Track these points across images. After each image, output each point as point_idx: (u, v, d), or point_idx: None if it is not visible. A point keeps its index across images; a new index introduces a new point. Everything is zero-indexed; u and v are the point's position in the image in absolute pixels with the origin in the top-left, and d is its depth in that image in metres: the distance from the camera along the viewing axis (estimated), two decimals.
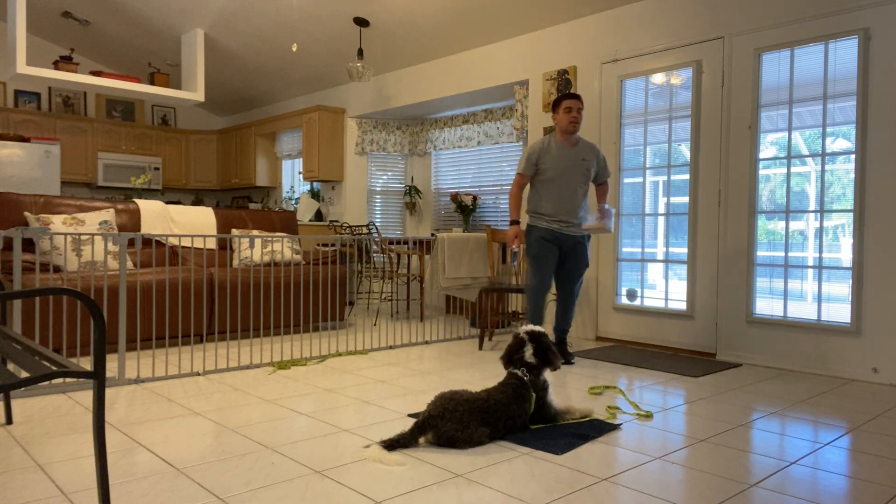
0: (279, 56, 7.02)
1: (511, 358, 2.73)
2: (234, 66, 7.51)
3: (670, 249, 4.67)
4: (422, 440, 2.45)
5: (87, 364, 3.86)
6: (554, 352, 2.74)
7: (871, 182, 3.73)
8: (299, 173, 8.42)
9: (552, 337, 4.05)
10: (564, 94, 4.08)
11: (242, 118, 9.30)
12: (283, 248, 4.81)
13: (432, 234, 6.49)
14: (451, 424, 2.41)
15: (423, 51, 6.26)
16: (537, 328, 2.78)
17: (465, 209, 6.54)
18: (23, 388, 3.07)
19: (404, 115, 7.22)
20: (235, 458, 2.29)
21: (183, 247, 4.99)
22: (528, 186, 4.18)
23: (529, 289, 4.06)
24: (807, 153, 4.04)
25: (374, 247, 6.30)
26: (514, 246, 4.12)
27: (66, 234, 3.76)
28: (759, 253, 4.21)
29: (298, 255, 5.15)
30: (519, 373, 2.67)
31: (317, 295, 5.12)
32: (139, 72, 8.23)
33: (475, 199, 6.55)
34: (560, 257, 4.11)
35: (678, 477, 2.19)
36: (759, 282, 4.21)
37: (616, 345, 4.82)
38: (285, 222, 5.64)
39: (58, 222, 4.20)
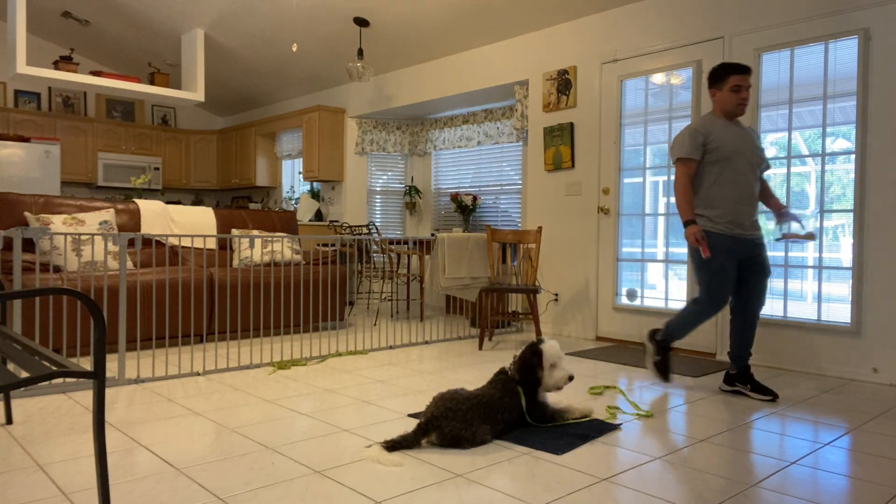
0: (279, 56, 7.02)
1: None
2: (234, 66, 7.51)
3: (670, 249, 4.67)
4: (424, 441, 2.45)
5: (87, 364, 3.86)
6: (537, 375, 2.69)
7: (871, 182, 3.73)
8: (299, 173, 8.42)
9: (731, 368, 3.39)
10: (728, 65, 3.26)
11: (242, 118, 9.30)
12: (283, 248, 4.81)
13: (432, 234, 6.49)
14: (455, 423, 2.41)
15: (423, 51, 6.26)
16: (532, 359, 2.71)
17: (465, 209, 6.54)
18: (23, 388, 3.08)
19: (404, 115, 7.22)
20: (235, 458, 2.29)
21: (183, 247, 4.99)
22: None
23: (697, 312, 3.31)
24: (807, 153, 4.04)
25: (374, 247, 6.30)
26: (705, 251, 3.18)
27: (66, 234, 3.76)
28: None
29: (298, 255, 5.15)
30: (507, 366, 2.71)
31: (317, 295, 5.12)
32: (139, 72, 8.23)
33: (475, 199, 6.55)
34: (739, 268, 3.32)
35: (678, 477, 2.19)
36: None
37: (616, 345, 4.82)
38: (285, 222, 5.64)
39: (58, 222, 4.20)
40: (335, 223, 7.39)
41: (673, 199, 4.64)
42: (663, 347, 3.48)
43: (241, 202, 9.19)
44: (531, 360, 2.69)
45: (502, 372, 2.72)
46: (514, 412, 2.62)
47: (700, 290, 3.31)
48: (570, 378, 2.71)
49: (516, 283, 4.95)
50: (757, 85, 4.19)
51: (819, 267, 3.95)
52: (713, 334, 4.38)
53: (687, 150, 3.25)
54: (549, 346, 2.71)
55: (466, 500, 1.97)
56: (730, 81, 3.25)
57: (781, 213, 3.38)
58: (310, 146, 7.39)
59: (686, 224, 3.24)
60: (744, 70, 3.23)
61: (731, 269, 3.24)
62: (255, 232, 5.30)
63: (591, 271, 5.08)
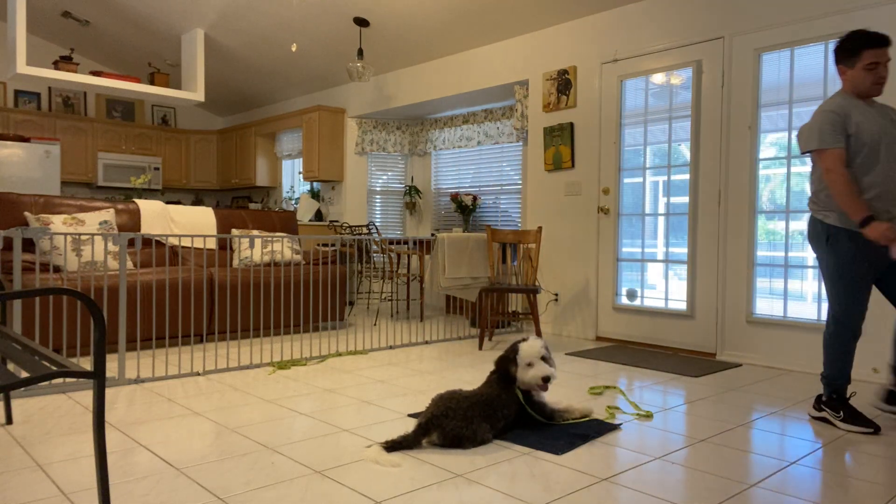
0: (279, 56, 7.02)
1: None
2: (234, 66, 7.51)
3: (670, 249, 4.67)
4: (425, 441, 2.44)
5: (87, 364, 3.86)
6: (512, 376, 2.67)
7: None
8: (299, 173, 8.42)
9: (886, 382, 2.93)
10: (860, 36, 2.70)
11: (242, 118, 9.30)
12: (283, 248, 4.81)
13: (432, 234, 6.48)
14: (455, 422, 2.41)
15: (423, 51, 6.26)
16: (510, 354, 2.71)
17: (465, 209, 6.54)
18: (23, 388, 3.08)
19: (404, 115, 7.22)
20: (235, 458, 2.29)
21: (183, 247, 4.99)
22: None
23: (837, 332, 2.77)
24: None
25: (374, 247, 6.30)
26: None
27: (66, 234, 3.76)
28: (759, 253, 4.21)
29: (298, 255, 5.15)
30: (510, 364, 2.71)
31: (317, 295, 5.12)
32: (139, 72, 8.23)
33: (475, 199, 6.55)
34: (882, 271, 2.81)
35: (678, 477, 2.19)
36: (759, 282, 4.21)
37: (616, 345, 4.82)
38: (285, 222, 5.64)
39: (58, 222, 4.20)
40: (335, 223, 7.39)
41: (674, 200, 4.65)
42: (837, 400, 2.82)
43: (241, 202, 9.19)
44: (507, 357, 2.70)
45: (496, 371, 2.73)
46: (513, 409, 2.62)
47: (835, 302, 2.78)
48: (546, 378, 2.62)
49: (516, 283, 4.95)
50: (757, 85, 4.19)
51: (819, 267, 3.95)
52: (713, 334, 4.38)
53: (829, 139, 2.69)
54: (528, 345, 2.67)
55: (466, 500, 1.97)
56: (864, 58, 2.68)
57: None
58: (310, 146, 7.39)
59: (864, 223, 2.63)
60: (881, 42, 2.66)
61: (870, 276, 2.75)
62: (255, 232, 5.30)
63: (591, 271, 5.08)
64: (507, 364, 2.69)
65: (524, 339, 2.72)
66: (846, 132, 2.70)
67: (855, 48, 2.72)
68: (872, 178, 2.70)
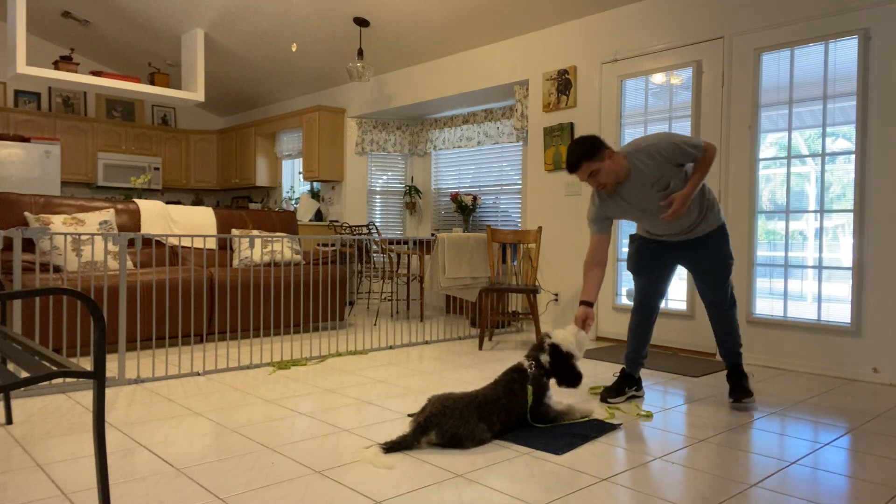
0: (279, 56, 7.02)
1: (529, 354, 2.77)
2: (234, 66, 7.51)
3: None
4: (424, 441, 2.44)
5: (87, 364, 3.86)
6: (565, 375, 2.75)
7: (871, 182, 3.73)
8: (299, 173, 8.42)
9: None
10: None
11: (242, 118, 9.30)
12: (283, 248, 4.81)
13: (432, 234, 6.49)
14: (453, 421, 2.41)
15: (423, 51, 6.26)
16: (564, 346, 2.76)
17: (465, 209, 6.55)
18: (23, 388, 3.07)
19: (404, 115, 7.22)
20: (235, 458, 2.29)
21: (183, 247, 4.99)
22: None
23: (733, 310, 3.22)
24: (807, 153, 4.04)
25: (374, 247, 6.30)
26: None
27: (66, 234, 3.76)
28: (759, 253, 4.21)
29: (298, 255, 5.15)
30: (525, 363, 2.69)
31: (317, 295, 5.12)
32: (139, 72, 8.23)
33: (475, 199, 6.55)
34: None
35: (678, 477, 2.19)
36: (759, 282, 4.21)
37: (616, 345, 4.82)
38: (285, 222, 5.64)
39: (58, 222, 4.20)
40: (335, 223, 7.39)
41: None
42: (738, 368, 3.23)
43: (241, 202, 9.19)
44: (562, 364, 2.75)
45: (516, 370, 2.69)
46: (512, 414, 2.60)
47: (728, 289, 3.16)
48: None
49: (516, 283, 4.95)
50: (757, 85, 4.19)
51: (819, 267, 3.95)
52: (713, 334, 4.38)
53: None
54: (582, 336, 2.83)
55: (466, 500, 1.97)
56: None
57: None
58: (310, 146, 7.39)
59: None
60: (569, 168, 3.01)
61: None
62: (255, 232, 5.30)
63: None
64: (568, 359, 2.75)
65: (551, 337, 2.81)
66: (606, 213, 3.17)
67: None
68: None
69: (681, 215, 3.04)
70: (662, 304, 4.68)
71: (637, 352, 3.26)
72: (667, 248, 3.20)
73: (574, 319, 2.98)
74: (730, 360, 3.20)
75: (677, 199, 2.92)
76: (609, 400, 3.16)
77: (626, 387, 3.20)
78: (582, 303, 2.99)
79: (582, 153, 2.94)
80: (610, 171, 2.96)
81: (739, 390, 3.11)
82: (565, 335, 2.79)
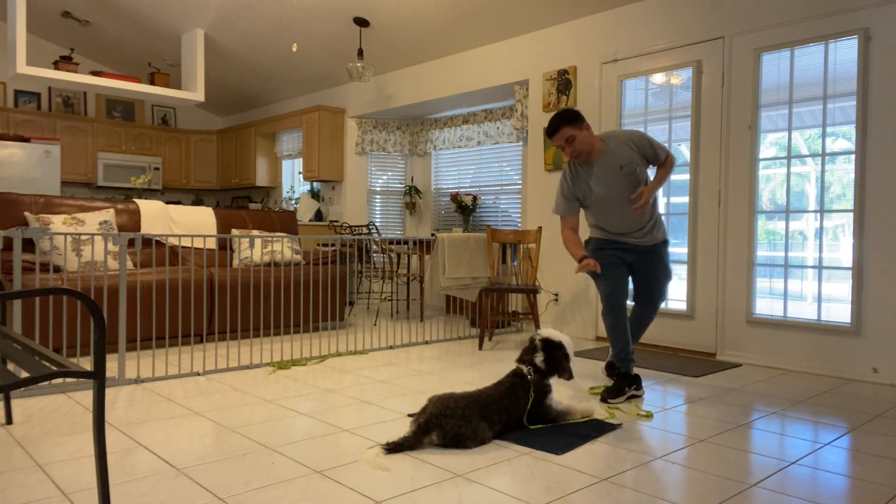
0: (279, 56, 7.02)
1: (522, 359, 2.75)
2: (234, 66, 7.51)
3: (670, 249, 4.66)
4: (425, 441, 2.44)
5: (87, 364, 3.86)
6: (564, 364, 2.77)
7: (871, 182, 3.73)
8: (299, 173, 8.42)
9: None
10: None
11: (242, 118, 9.30)
12: (283, 248, 4.81)
13: (432, 234, 6.49)
14: (454, 421, 2.41)
15: (423, 51, 6.26)
16: (554, 336, 2.78)
17: (465, 209, 6.55)
18: (23, 388, 3.07)
19: (404, 115, 7.22)
20: (235, 458, 2.29)
21: (183, 247, 4.99)
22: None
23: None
24: (807, 153, 4.04)
25: (374, 247, 6.30)
26: None
27: (66, 234, 3.76)
28: (759, 253, 4.21)
29: (298, 255, 5.15)
30: (524, 369, 2.68)
31: (317, 295, 5.12)
32: (139, 72, 8.23)
33: (475, 199, 6.55)
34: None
35: (678, 477, 2.19)
36: (759, 282, 4.21)
37: None
38: (285, 222, 5.64)
39: (58, 222, 4.20)
40: (335, 223, 7.39)
41: (674, 200, 4.65)
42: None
43: (241, 202, 9.19)
44: (557, 354, 2.74)
45: (517, 374, 2.69)
46: (513, 415, 2.60)
47: (664, 295, 3.48)
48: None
49: (516, 283, 4.95)
50: (757, 85, 4.19)
51: (819, 267, 3.95)
52: (713, 334, 4.38)
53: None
54: (566, 339, 2.82)
55: (466, 500, 1.97)
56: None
57: None
58: (310, 146, 7.39)
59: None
60: (549, 131, 3.28)
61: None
62: (255, 232, 5.30)
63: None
64: (559, 360, 2.74)
65: (546, 334, 2.79)
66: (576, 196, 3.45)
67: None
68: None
69: (645, 209, 3.29)
70: (662, 305, 4.69)
71: (624, 350, 3.30)
72: (620, 250, 3.38)
73: (582, 267, 3.17)
74: (629, 363, 3.31)
75: (645, 192, 3.18)
76: (609, 400, 3.18)
77: (625, 386, 3.22)
78: (582, 258, 3.22)
79: (562, 118, 3.23)
80: (585, 141, 3.24)
81: (621, 391, 3.24)
82: (551, 330, 2.82)
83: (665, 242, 3.46)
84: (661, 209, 4.74)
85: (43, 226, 4.14)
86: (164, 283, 4.29)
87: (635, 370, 3.48)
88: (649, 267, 3.38)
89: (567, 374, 2.76)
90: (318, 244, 5.79)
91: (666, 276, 3.44)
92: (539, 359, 2.72)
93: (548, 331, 2.81)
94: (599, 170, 3.29)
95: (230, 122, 9.59)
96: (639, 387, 3.27)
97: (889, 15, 3.66)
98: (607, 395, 3.19)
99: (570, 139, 3.23)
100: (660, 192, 3.41)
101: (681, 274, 4.60)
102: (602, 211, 3.36)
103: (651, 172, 3.48)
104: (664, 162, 3.33)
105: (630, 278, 3.46)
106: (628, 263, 3.39)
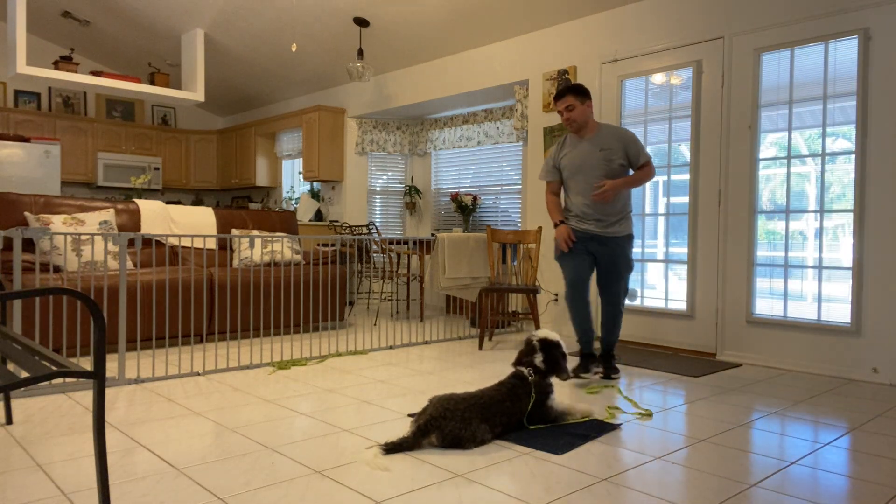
0: (279, 56, 7.02)
1: (521, 361, 2.75)
2: (234, 66, 7.51)
3: (670, 249, 4.67)
4: (424, 442, 2.44)
5: (87, 364, 3.86)
6: (562, 364, 2.80)
7: (871, 182, 3.73)
8: (299, 173, 8.42)
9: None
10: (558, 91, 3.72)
11: (242, 118, 9.30)
12: (283, 248, 4.81)
13: (432, 234, 6.48)
14: (454, 423, 2.41)
15: (423, 51, 6.26)
16: (551, 337, 2.81)
17: (465, 209, 6.55)
18: (23, 388, 3.07)
19: (404, 115, 7.22)
20: (235, 458, 2.29)
21: (183, 247, 4.99)
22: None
23: (623, 306, 3.77)
24: (807, 153, 4.04)
25: (374, 247, 6.30)
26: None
27: (66, 234, 3.76)
28: (759, 253, 4.21)
29: (298, 255, 5.15)
30: (525, 371, 2.69)
31: (317, 295, 5.12)
32: (139, 72, 8.23)
33: (475, 199, 6.55)
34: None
35: (678, 477, 2.19)
36: (759, 282, 4.21)
37: (617, 344, 4.82)
38: (285, 222, 5.64)
39: (58, 222, 4.20)
40: (335, 223, 7.39)
41: (674, 200, 4.65)
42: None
43: (241, 202, 9.19)
44: (555, 353, 2.77)
45: (518, 377, 2.69)
46: (514, 417, 2.60)
47: (626, 287, 3.71)
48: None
49: (516, 283, 4.95)
50: (757, 85, 4.19)
51: (819, 267, 3.95)
52: (713, 334, 4.39)
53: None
54: (560, 339, 2.85)
55: (466, 500, 1.97)
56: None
57: None
58: (310, 146, 7.39)
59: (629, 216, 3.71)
60: (559, 96, 3.65)
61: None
62: (255, 232, 5.30)
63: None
64: (558, 360, 2.77)
65: (543, 335, 2.81)
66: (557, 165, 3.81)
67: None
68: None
69: (607, 201, 3.57)
70: (662, 304, 4.70)
71: (586, 333, 3.67)
72: (584, 239, 3.66)
73: (558, 235, 3.63)
74: (608, 347, 3.72)
75: (608, 184, 3.50)
76: (581, 375, 3.60)
77: (590, 364, 3.65)
78: (560, 222, 3.67)
79: (571, 88, 3.63)
80: (582, 113, 3.62)
81: (612, 369, 3.67)
82: (547, 331, 2.84)
83: (629, 238, 3.68)
84: (661, 209, 4.74)
85: (43, 226, 4.14)
86: (164, 283, 4.29)
87: (617, 364, 3.80)
88: (610, 257, 3.63)
89: (565, 373, 2.77)
90: (318, 244, 5.79)
91: (626, 267, 3.66)
92: (538, 359, 2.72)
93: (544, 331, 2.83)
94: (583, 145, 3.66)
95: (230, 122, 9.59)
96: (609, 368, 3.66)
97: (889, 15, 3.66)
98: (577, 371, 3.61)
99: (570, 107, 3.61)
100: (631, 192, 3.73)
101: (681, 274, 4.60)
102: (572, 187, 3.70)
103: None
104: (642, 166, 3.61)
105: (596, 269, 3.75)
106: (591, 253, 3.66)
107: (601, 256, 3.64)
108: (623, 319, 3.77)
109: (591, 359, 3.67)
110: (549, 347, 2.77)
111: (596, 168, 3.60)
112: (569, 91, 3.61)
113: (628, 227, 3.67)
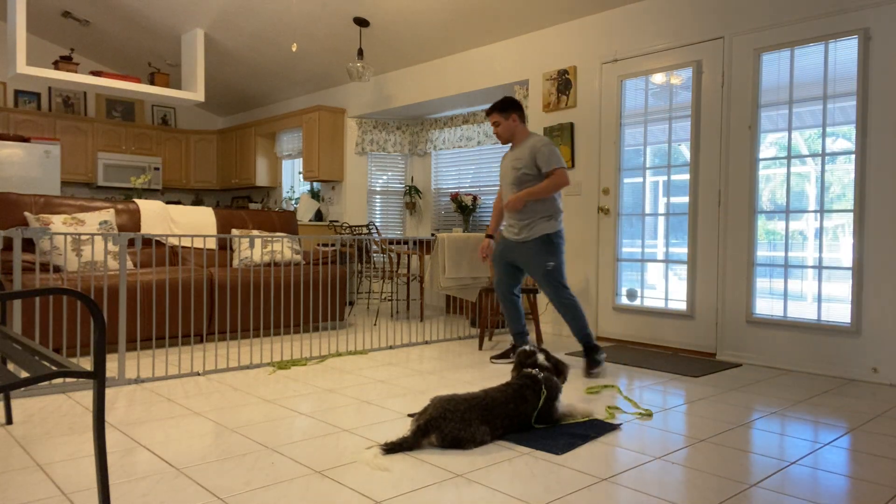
0: (279, 56, 7.02)
1: (524, 364, 2.76)
2: (234, 66, 7.51)
3: (670, 249, 4.67)
4: (424, 442, 2.44)
5: (87, 364, 3.86)
6: (561, 366, 2.86)
7: (871, 182, 3.73)
8: (299, 173, 8.42)
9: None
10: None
11: (242, 118, 9.30)
12: (283, 248, 4.81)
13: (432, 234, 6.48)
14: (453, 424, 2.41)
15: (423, 51, 6.26)
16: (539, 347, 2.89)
17: (465, 209, 6.55)
18: (23, 388, 3.08)
19: (404, 115, 7.22)
20: (235, 458, 2.29)
21: (183, 247, 4.99)
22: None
23: (568, 298, 3.82)
24: (807, 153, 4.04)
25: (374, 247, 6.30)
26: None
27: (66, 234, 3.76)
28: (759, 253, 4.21)
29: (298, 255, 5.15)
30: (533, 371, 2.69)
31: (317, 295, 5.12)
32: (139, 72, 8.23)
33: (475, 199, 6.55)
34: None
35: (678, 477, 2.19)
36: (759, 282, 4.21)
37: (616, 345, 4.82)
38: (285, 222, 5.64)
39: (58, 222, 4.20)
40: (335, 223, 7.39)
41: (674, 200, 4.65)
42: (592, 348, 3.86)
43: (241, 202, 9.19)
44: (553, 356, 2.85)
45: (528, 377, 2.69)
46: (517, 420, 2.60)
47: (560, 281, 3.80)
48: None
49: None
50: (757, 85, 4.19)
51: (819, 267, 3.95)
52: (713, 334, 4.39)
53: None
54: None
55: (466, 500, 1.97)
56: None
57: None
58: (310, 146, 7.39)
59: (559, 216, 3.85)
60: (489, 111, 3.90)
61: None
62: (255, 232, 5.30)
63: (591, 271, 5.08)
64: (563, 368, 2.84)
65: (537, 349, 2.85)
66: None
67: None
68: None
69: (513, 209, 3.78)
70: (662, 304, 4.70)
71: (515, 328, 4.01)
72: (507, 245, 3.92)
73: (482, 249, 4.04)
74: (581, 342, 3.83)
75: (511, 197, 3.75)
76: (495, 361, 4.03)
77: (511, 353, 4.03)
78: (488, 236, 4.06)
79: (496, 104, 3.86)
80: (507, 129, 3.86)
81: (589, 364, 3.75)
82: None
83: (541, 238, 3.78)
84: (661, 209, 4.74)
85: (43, 226, 4.14)
86: (164, 283, 4.29)
87: (598, 358, 3.86)
88: (523, 259, 3.84)
89: (564, 377, 2.81)
90: (318, 244, 5.79)
91: (538, 265, 3.78)
92: (542, 358, 2.75)
93: (529, 345, 2.90)
94: (508, 156, 3.92)
95: (230, 122, 9.59)
96: (588, 364, 3.80)
97: (889, 15, 3.66)
98: (495, 357, 4.07)
99: (496, 123, 3.88)
100: (553, 197, 3.82)
101: (681, 274, 4.60)
102: (502, 184, 3.95)
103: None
104: (548, 174, 3.74)
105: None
106: (509, 255, 3.93)
107: (518, 261, 3.89)
108: (580, 311, 3.80)
109: (514, 350, 4.02)
110: (546, 352, 2.83)
111: (508, 177, 3.87)
112: (493, 108, 3.85)
113: (541, 230, 3.78)
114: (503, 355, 4.08)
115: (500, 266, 3.98)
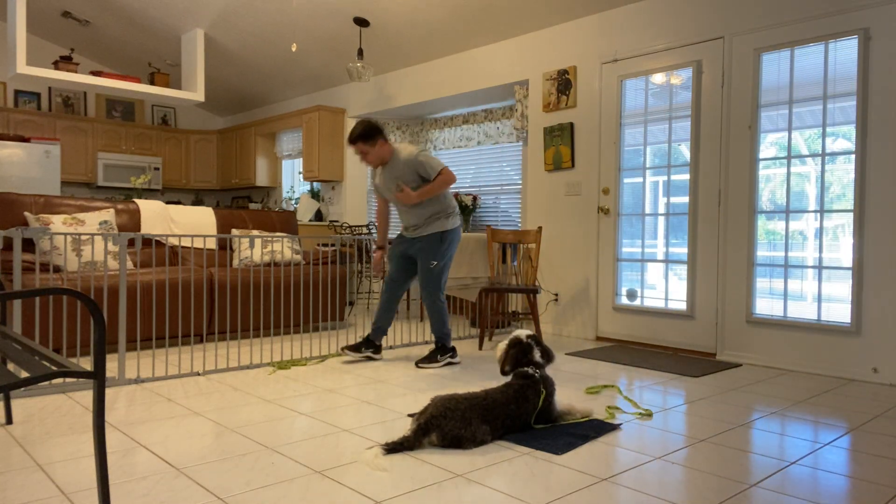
0: (279, 56, 7.02)
1: (519, 362, 2.74)
2: (234, 66, 7.51)
3: (670, 249, 4.67)
4: (424, 441, 2.44)
5: (87, 364, 3.86)
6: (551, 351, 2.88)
7: (871, 182, 3.73)
8: (299, 173, 8.42)
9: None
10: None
11: (242, 118, 9.30)
12: (283, 248, 4.81)
13: None
14: (454, 423, 2.41)
15: (423, 51, 6.26)
16: (528, 333, 2.85)
17: (465, 209, 6.54)
18: (23, 388, 3.08)
19: (404, 115, 7.22)
20: (235, 458, 2.29)
21: (183, 247, 4.99)
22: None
23: (440, 302, 4.04)
24: (807, 153, 4.04)
25: (374, 246, 6.30)
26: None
27: (66, 234, 3.76)
28: (759, 253, 4.21)
29: (298, 255, 5.15)
30: (530, 370, 2.69)
31: (317, 295, 5.12)
32: (139, 72, 8.23)
33: (475, 199, 6.55)
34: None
35: (678, 477, 2.19)
36: (759, 282, 4.21)
37: (616, 345, 4.82)
38: (285, 222, 5.64)
39: (58, 222, 4.20)
40: (335, 223, 7.39)
41: (674, 200, 4.65)
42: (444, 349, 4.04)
43: (241, 202, 9.19)
44: (542, 342, 2.83)
45: (525, 376, 2.69)
46: (518, 420, 2.60)
47: (438, 284, 3.97)
48: None
49: (516, 283, 4.95)
50: (757, 85, 4.19)
51: (819, 267, 3.95)
52: (713, 334, 4.39)
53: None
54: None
55: (466, 500, 1.97)
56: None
57: None
58: (310, 146, 7.39)
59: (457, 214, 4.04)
60: (351, 141, 3.89)
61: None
62: (255, 232, 5.30)
63: (591, 271, 5.08)
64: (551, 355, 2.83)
65: (529, 336, 2.82)
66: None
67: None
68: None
69: (406, 203, 3.86)
70: (662, 304, 4.70)
71: (379, 322, 4.06)
72: (404, 242, 4.05)
73: (373, 264, 4.20)
74: (437, 338, 4.03)
75: (406, 191, 3.82)
76: (347, 351, 4.01)
77: (363, 347, 4.04)
78: (377, 248, 4.21)
79: (358, 135, 3.85)
80: (376, 156, 3.91)
81: (427, 359, 3.95)
82: (519, 331, 2.88)
83: (435, 235, 3.92)
84: (661, 209, 4.74)
85: (43, 226, 4.14)
86: (164, 283, 4.29)
87: (440, 358, 4.01)
88: (418, 255, 3.95)
89: (551, 360, 2.87)
90: (318, 244, 5.79)
91: (424, 260, 3.91)
92: (537, 355, 2.74)
93: (521, 332, 2.86)
94: (385, 174, 3.97)
95: (230, 122, 9.59)
96: (377, 352, 4.07)
97: (889, 15, 3.66)
98: (348, 349, 4.03)
99: (364, 153, 3.89)
100: (446, 195, 3.98)
101: (681, 274, 4.60)
102: (388, 197, 4.03)
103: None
104: (435, 178, 3.85)
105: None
106: (410, 256, 4.04)
107: (414, 256, 4.03)
108: (445, 317, 4.03)
109: (366, 343, 4.06)
110: (539, 341, 2.81)
111: (391, 193, 3.97)
112: (357, 140, 3.85)
113: (436, 227, 3.94)
114: (355, 348, 4.05)
115: (395, 262, 4.08)
